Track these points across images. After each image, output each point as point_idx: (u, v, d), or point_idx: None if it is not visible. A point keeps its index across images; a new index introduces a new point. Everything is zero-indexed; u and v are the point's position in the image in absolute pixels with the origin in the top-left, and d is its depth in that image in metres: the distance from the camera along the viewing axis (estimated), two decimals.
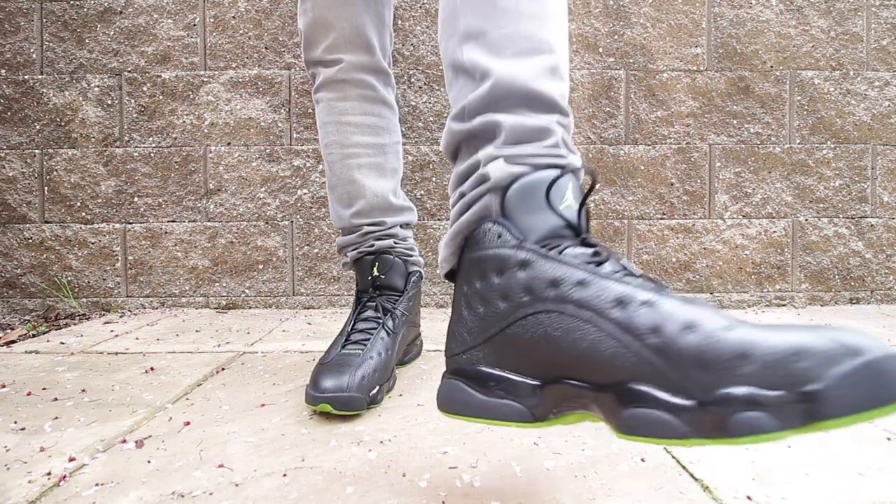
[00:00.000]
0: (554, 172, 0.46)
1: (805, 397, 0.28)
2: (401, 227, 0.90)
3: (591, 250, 0.44)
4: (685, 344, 0.33)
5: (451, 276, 0.52)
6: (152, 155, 1.50)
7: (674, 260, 1.53)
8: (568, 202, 0.46)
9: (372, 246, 0.86)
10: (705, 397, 0.32)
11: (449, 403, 0.46)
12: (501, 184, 0.46)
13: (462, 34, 0.53)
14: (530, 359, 0.42)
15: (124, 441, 0.63)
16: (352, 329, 0.80)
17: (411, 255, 0.90)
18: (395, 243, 0.87)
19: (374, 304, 0.83)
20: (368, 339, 0.77)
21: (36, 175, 1.50)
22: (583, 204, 0.47)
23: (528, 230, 0.45)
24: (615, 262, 0.43)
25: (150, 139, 1.50)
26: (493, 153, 0.48)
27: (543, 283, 0.41)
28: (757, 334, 0.32)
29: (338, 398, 0.67)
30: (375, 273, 0.85)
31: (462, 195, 0.50)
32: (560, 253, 0.43)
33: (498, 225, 0.46)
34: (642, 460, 0.58)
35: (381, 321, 0.81)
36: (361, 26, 0.83)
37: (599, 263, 0.42)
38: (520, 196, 0.46)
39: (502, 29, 0.51)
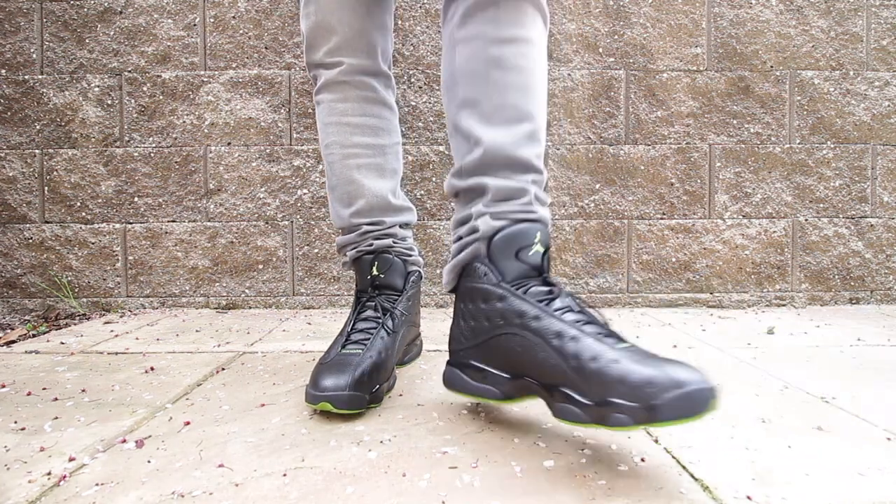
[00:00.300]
0: (526, 226, 0.65)
1: (650, 408, 0.48)
2: (400, 226, 0.90)
3: (547, 288, 0.63)
4: (590, 368, 0.53)
5: (452, 291, 0.72)
6: (152, 155, 1.50)
7: (674, 260, 1.53)
8: (536, 248, 0.65)
9: (371, 245, 0.86)
10: (599, 400, 0.51)
11: (450, 383, 0.70)
12: (487, 235, 0.65)
13: (460, 101, 0.69)
14: (504, 361, 0.63)
15: (124, 441, 0.63)
16: (352, 329, 0.80)
17: (410, 255, 0.90)
18: (394, 243, 0.87)
19: (374, 303, 0.83)
20: (368, 339, 0.77)
21: (36, 175, 1.50)
22: (547, 250, 0.65)
23: (505, 272, 0.64)
24: (564, 298, 0.62)
25: (150, 139, 1.50)
26: (482, 210, 0.66)
27: (513, 314, 0.61)
28: (631, 367, 0.50)
29: (338, 397, 0.67)
30: (374, 272, 0.85)
31: (460, 238, 0.70)
32: (525, 292, 0.62)
33: (484, 266, 0.65)
34: (642, 460, 0.58)
35: (380, 321, 0.81)
36: (363, 30, 0.83)
37: (552, 300, 0.61)
38: (501, 245, 0.65)
39: (493, 100, 0.66)
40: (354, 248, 0.88)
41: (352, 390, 0.68)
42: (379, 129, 0.88)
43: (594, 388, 0.52)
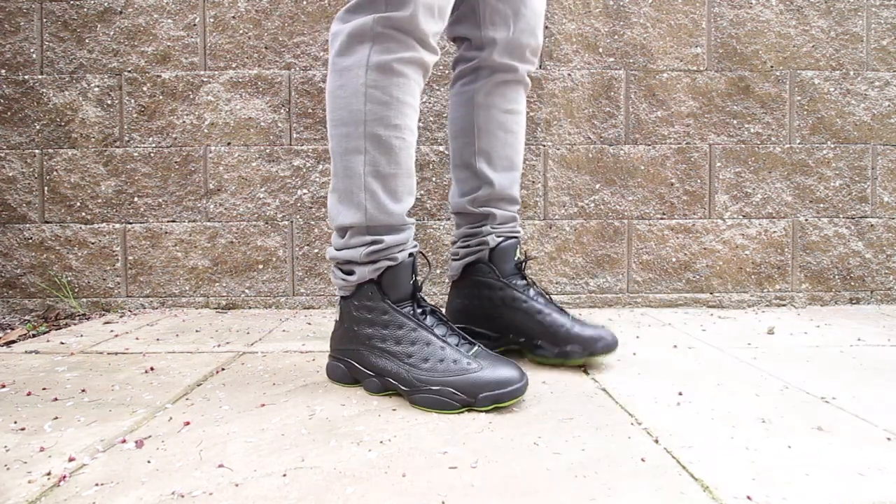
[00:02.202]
0: (514, 241, 0.98)
1: (591, 351, 0.89)
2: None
3: (525, 282, 0.98)
4: (559, 332, 0.92)
5: (456, 281, 1.02)
6: (152, 155, 1.50)
7: (674, 260, 1.53)
8: (518, 256, 0.99)
9: (415, 246, 0.83)
10: (559, 350, 0.91)
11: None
12: (492, 246, 0.96)
13: (477, 149, 0.97)
14: (499, 326, 0.97)
15: (124, 441, 0.63)
16: (442, 334, 0.78)
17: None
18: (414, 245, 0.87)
19: (428, 307, 0.81)
20: (463, 337, 0.79)
21: (36, 175, 1.50)
22: (525, 259, 1.02)
23: (502, 271, 0.97)
24: (535, 288, 0.98)
25: (150, 139, 1.50)
26: (490, 230, 0.97)
27: (510, 299, 0.95)
28: (578, 329, 0.91)
29: (526, 377, 0.75)
30: (414, 277, 0.81)
31: (468, 245, 0.98)
32: (514, 283, 0.96)
33: (488, 266, 0.97)
34: (642, 460, 0.58)
35: (444, 319, 0.81)
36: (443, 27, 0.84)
37: (529, 289, 0.96)
38: (500, 253, 0.97)
39: (499, 152, 0.98)
40: (404, 249, 0.80)
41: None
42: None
43: (559, 342, 0.91)
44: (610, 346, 0.90)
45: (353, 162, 0.77)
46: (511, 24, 0.92)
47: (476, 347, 0.78)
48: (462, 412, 0.72)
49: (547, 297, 0.97)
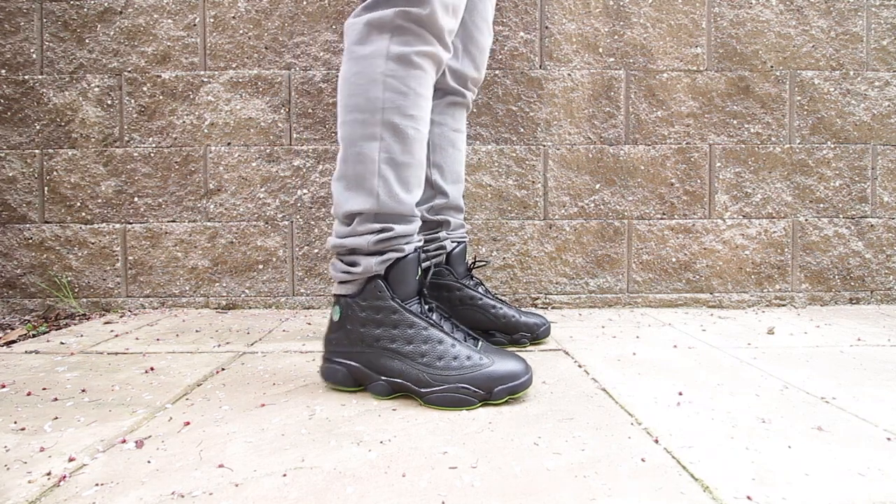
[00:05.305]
0: (464, 246, 1.11)
1: (535, 336, 1.09)
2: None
3: (475, 281, 1.12)
4: (510, 322, 1.09)
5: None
6: (152, 155, 1.50)
7: (674, 260, 1.53)
8: (468, 259, 1.26)
9: (420, 241, 0.83)
10: (511, 339, 1.09)
11: None
12: (448, 250, 1.09)
13: (432, 162, 1.07)
14: (461, 322, 1.09)
15: (124, 441, 0.63)
16: (449, 331, 0.79)
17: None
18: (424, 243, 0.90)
19: (433, 304, 0.82)
20: (469, 334, 0.81)
21: (36, 175, 1.50)
22: (475, 261, 1.21)
23: (457, 273, 1.09)
24: (484, 286, 1.14)
25: (150, 139, 1.50)
26: (445, 236, 1.09)
27: (466, 298, 1.09)
28: (524, 319, 1.09)
29: (532, 373, 0.77)
30: (420, 272, 0.81)
31: (427, 250, 1.07)
32: (468, 283, 1.10)
33: (445, 268, 1.09)
34: (642, 460, 0.58)
35: (449, 317, 0.83)
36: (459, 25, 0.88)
37: (479, 287, 1.11)
38: (455, 258, 1.09)
39: (450, 167, 1.09)
40: (411, 241, 0.80)
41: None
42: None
43: (510, 331, 1.07)
44: (548, 331, 1.11)
45: (368, 148, 0.77)
46: (459, 57, 1.06)
47: (480, 342, 0.80)
48: (461, 411, 0.72)
49: (488, 291, 1.13)
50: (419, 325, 0.76)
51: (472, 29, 1.06)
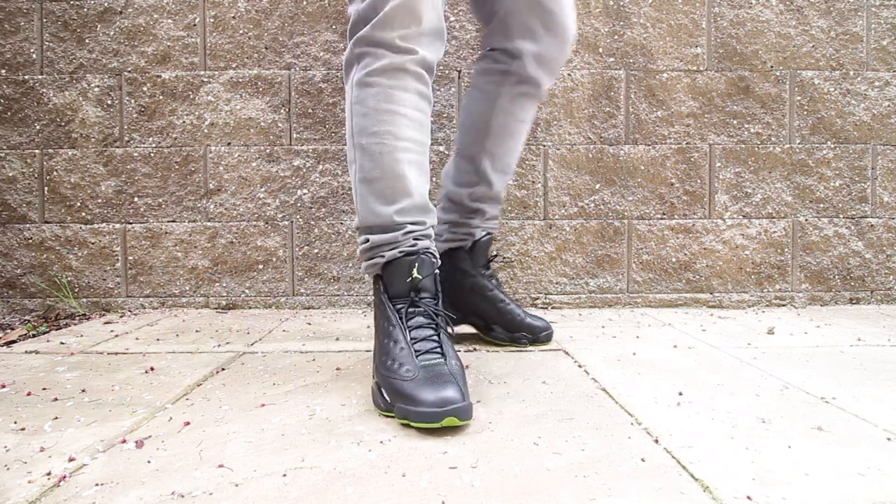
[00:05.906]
0: (490, 237, 1.12)
1: (535, 339, 1.09)
2: (432, 228, 0.89)
3: (490, 272, 1.12)
4: (515, 320, 1.10)
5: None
6: (152, 155, 1.50)
7: (674, 260, 1.53)
8: (491, 250, 1.23)
9: (413, 246, 0.82)
10: (511, 336, 1.09)
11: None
12: (476, 238, 1.09)
13: (485, 149, 1.05)
14: (468, 309, 1.12)
15: (124, 441, 0.63)
16: (411, 339, 0.76)
17: (436, 257, 0.87)
18: (429, 244, 0.85)
19: (421, 308, 0.80)
20: (439, 347, 0.76)
21: (36, 175, 1.50)
22: (495, 255, 1.22)
23: (476, 262, 1.10)
24: (497, 279, 1.13)
25: (150, 139, 1.50)
26: (479, 224, 1.09)
27: (479, 287, 1.09)
28: (529, 320, 1.10)
29: (464, 409, 0.66)
30: (415, 275, 0.80)
31: (455, 232, 1.09)
32: (484, 273, 1.11)
33: (467, 255, 1.10)
34: (642, 460, 0.58)
35: (435, 326, 0.78)
36: (442, 26, 0.82)
37: (493, 280, 1.12)
38: (479, 247, 1.10)
39: (502, 158, 1.07)
40: (395, 248, 0.82)
41: (468, 399, 0.67)
42: (425, 126, 0.85)
43: (512, 329, 1.08)
44: (550, 336, 1.10)
45: (351, 171, 0.86)
46: (538, 39, 1.00)
47: (438, 360, 0.74)
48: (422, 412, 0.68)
49: (500, 286, 1.14)
50: (391, 321, 0.80)
51: (550, 5, 0.98)
